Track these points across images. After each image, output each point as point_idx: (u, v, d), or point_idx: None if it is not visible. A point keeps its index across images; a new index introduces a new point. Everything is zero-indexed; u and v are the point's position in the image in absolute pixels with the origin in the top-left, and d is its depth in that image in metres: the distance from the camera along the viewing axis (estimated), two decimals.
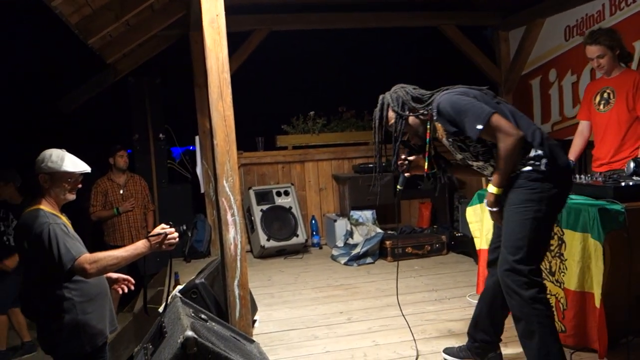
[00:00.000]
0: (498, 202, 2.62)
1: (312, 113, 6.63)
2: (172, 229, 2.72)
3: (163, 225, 2.73)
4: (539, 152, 2.55)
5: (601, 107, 3.88)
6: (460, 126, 2.60)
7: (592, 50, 3.75)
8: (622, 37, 3.88)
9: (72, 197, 2.87)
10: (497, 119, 2.49)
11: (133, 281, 3.11)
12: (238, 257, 3.10)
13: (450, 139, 2.75)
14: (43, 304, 2.71)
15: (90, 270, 2.58)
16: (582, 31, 5.62)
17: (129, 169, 5.98)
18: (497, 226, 2.81)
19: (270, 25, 6.37)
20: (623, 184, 2.95)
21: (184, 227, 2.82)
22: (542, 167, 2.52)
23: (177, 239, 2.74)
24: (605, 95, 3.85)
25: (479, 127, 2.49)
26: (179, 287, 3.67)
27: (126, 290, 3.06)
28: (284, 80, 8.64)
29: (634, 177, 3.09)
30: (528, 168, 2.54)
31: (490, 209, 2.66)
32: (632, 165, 3.19)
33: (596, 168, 3.90)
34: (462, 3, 6.89)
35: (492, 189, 2.59)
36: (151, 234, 2.73)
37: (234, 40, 5.03)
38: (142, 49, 6.45)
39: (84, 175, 2.93)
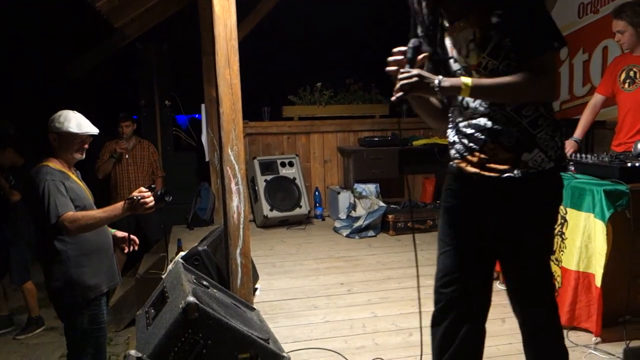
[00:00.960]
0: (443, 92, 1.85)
1: (319, 84, 6.59)
2: (148, 193, 2.79)
3: (141, 189, 2.80)
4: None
5: (626, 85, 3.78)
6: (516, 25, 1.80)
7: (616, 24, 3.70)
8: None
9: (79, 156, 3.00)
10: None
11: (137, 241, 3.22)
12: (241, 226, 3.12)
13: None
14: (43, 252, 2.90)
15: (70, 228, 2.74)
16: (595, 9, 5.52)
17: (136, 133, 5.99)
18: (455, 250, 2.07)
19: None
20: (629, 164, 2.93)
21: (161, 192, 2.85)
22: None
23: (154, 203, 2.81)
24: (632, 73, 3.75)
25: (555, 44, 1.83)
26: (182, 253, 3.71)
27: (131, 249, 3.15)
28: (292, 50, 8.57)
29: None
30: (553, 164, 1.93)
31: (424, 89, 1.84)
32: (639, 146, 3.17)
33: (615, 147, 3.84)
34: None
35: (466, 80, 1.83)
36: (128, 197, 2.80)
37: (243, 7, 4.97)
38: (150, 14, 6.38)
39: (96, 138, 3.05)
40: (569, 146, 3.91)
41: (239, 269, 3.12)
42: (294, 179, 6.14)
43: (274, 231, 5.84)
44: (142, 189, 2.82)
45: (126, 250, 3.15)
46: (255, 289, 3.89)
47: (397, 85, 1.81)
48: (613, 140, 3.93)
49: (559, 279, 3.09)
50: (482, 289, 2.07)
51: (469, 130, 1.96)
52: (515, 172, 1.88)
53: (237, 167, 3.12)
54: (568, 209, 3.01)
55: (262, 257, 4.76)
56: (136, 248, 3.19)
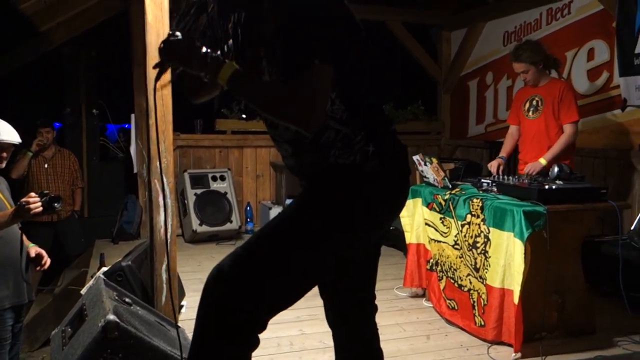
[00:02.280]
0: None
1: None
2: (36, 198, 2.67)
3: (31, 194, 2.69)
4: None
5: (530, 113, 4.07)
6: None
7: (516, 67, 3.99)
8: (554, 47, 4.06)
9: None
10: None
11: (48, 262, 3.04)
12: (168, 241, 3.04)
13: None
14: None
15: None
16: (519, 37, 5.82)
17: (58, 143, 5.74)
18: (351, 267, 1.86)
19: (215, 2, 6.23)
20: (547, 187, 3.08)
21: (50, 198, 2.73)
22: None
23: (41, 209, 2.69)
24: (534, 102, 4.05)
25: (316, 61, 1.52)
26: (104, 269, 3.56)
27: (38, 268, 3.01)
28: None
29: (557, 181, 3.25)
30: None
31: None
32: (556, 169, 3.35)
33: (523, 171, 4.07)
34: (409, 1, 7.00)
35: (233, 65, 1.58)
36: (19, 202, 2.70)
37: (179, 18, 4.87)
38: (79, 19, 6.16)
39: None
40: (495, 163, 4.11)
41: (164, 285, 3.03)
42: (225, 193, 6.06)
43: (202, 246, 5.72)
44: (32, 194, 2.68)
45: (38, 268, 2.98)
46: (181, 306, 3.78)
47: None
48: (520, 165, 4.18)
49: (484, 296, 3.19)
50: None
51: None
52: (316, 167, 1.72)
53: (166, 180, 3.04)
54: (491, 229, 3.12)
55: (190, 273, 4.65)
56: (45, 267, 3.02)
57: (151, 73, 3.09)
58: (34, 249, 3.00)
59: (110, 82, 6.93)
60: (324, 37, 1.52)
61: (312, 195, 1.68)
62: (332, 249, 1.64)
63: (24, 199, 2.64)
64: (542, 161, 3.88)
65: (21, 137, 2.98)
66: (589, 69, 4.99)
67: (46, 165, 5.51)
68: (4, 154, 2.83)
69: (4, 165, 2.85)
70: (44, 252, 3.01)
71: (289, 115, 1.51)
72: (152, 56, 3.10)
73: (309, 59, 1.49)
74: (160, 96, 3.09)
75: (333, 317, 1.92)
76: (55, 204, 2.71)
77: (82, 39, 6.39)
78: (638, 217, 3.85)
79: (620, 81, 4.41)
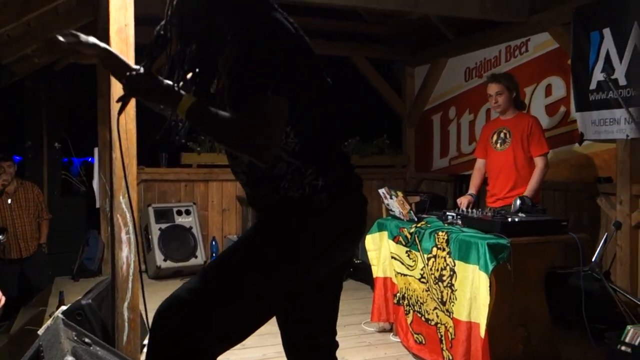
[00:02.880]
0: None
1: None
2: None
3: None
4: None
5: (498, 145, 4.14)
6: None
7: (493, 87, 4.08)
8: None
9: None
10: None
11: (3, 300, 2.91)
12: (130, 278, 2.96)
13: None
14: None
15: None
16: (480, 74, 5.99)
17: (19, 176, 5.59)
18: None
19: None
20: (509, 219, 3.14)
21: None
22: None
23: None
24: (502, 134, 4.13)
25: (268, 92, 1.52)
26: (63, 307, 3.45)
27: None
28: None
29: (519, 214, 3.30)
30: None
31: None
32: (518, 202, 3.41)
33: (491, 203, 4.13)
34: (372, 36, 7.17)
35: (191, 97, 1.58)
36: None
37: (144, 51, 4.87)
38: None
39: None
40: (465, 200, 4.15)
41: (126, 324, 2.94)
42: (191, 227, 5.98)
43: (167, 283, 5.60)
44: None
45: None
46: (144, 346, 3.67)
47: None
48: (488, 198, 4.24)
49: (451, 330, 3.19)
50: None
51: None
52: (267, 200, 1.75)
53: (129, 215, 2.98)
54: (457, 261, 3.14)
55: (153, 311, 4.51)
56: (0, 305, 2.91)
57: (115, 106, 3.06)
58: None
59: (74, 115, 6.83)
60: (280, 70, 1.54)
61: (262, 226, 1.71)
62: (280, 279, 1.64)
63: None
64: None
65: None
66: (547, 104, 5.15)
67: (10, 201, 5.34)
68: None
69: None
70: (2, 298, 2.90)
71: (243, 145, 1.52)
72: (117, 90, 3.07)
73: (264, 90, 1.50)
74: (125, 129, 3.06)
75: (288, 353, 1.89)
76: (1, 237, 2.62)
77: (46, 71, 6.32)
78: (598, 249, 3.94)
79: (577, 116, 4.57)
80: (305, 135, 1.65)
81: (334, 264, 1.76)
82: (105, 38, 3.35)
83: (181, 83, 1.67)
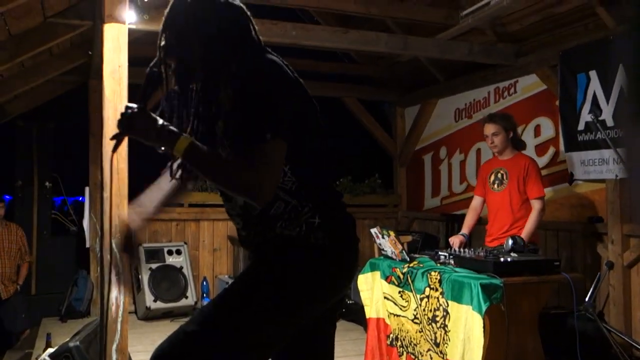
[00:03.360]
0: None
1: None
2: None
3: None
4: None
5: (495, 186, 4.13)
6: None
7: (489, 128, 4.05)
8: None
9: None
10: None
11: None
12: (119, 319, 2.92)
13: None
14: None
15: None
16: (470, 114, 6.08)
17: (6, 217, 5.54)
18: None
19: None
20: (502, 259, 3.13)
21: None
22: None
23: None
24: (499, 175, 4.11)
25: (267, 135, 1.55)
26: (50, 350, 3.38)
27: None
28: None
29: (512, 254, 3.30)
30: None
31: None
32: (510, 242, 3.42)
33: (488, 243, 4.11)
34: (363, 78, 7.29)
35: (187, 137, 1.60)
36: None
37: (136, 92, 4.91)
38: (35, 92, 6.14)
39: None
40: (457, 240, 4.12)
41: None
42: (181, 267, 5.91)
43: (157, 324, 5.50)
44: None
45: None
46: None
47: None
48: (486, 237, 4.23)
49: None
50: None
51: None
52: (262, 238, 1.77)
53: (119, 256, 2.95)
54: (449, 302, 3.12)
55: (142, 353, 4.43)
56: None
57: (108, 146, 3.07)
58: None
59: (65, 154, 6.83)
60: (279, 113, 1.58)
61: (254, 265, 1.72)
62: (276, 319, 1.64)
63: None
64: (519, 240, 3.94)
65: None
66: (537, 144, 5.21)
67: None
68: None
69: None
70: None
71: (240, 187, 1.55)
72: (110, 129, 3.09)
73: (263, 133, 1.53)
74: (117, 169, 3.06)
75: None
76: None
77: (38, 111, 6.34)
78: (592, 289, 3.92)
79: (567, 156, 4.62)
80: (301, 174, 1.68)
81: (329, 302, 1.76)
82: (99, 78, 3.39)
83: (175, 124, 1.68)
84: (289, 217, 1.67)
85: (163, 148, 1.61)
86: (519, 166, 4.02)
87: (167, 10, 1.73)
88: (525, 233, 3.87)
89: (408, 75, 6.94)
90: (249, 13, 1.77)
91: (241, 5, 1.76)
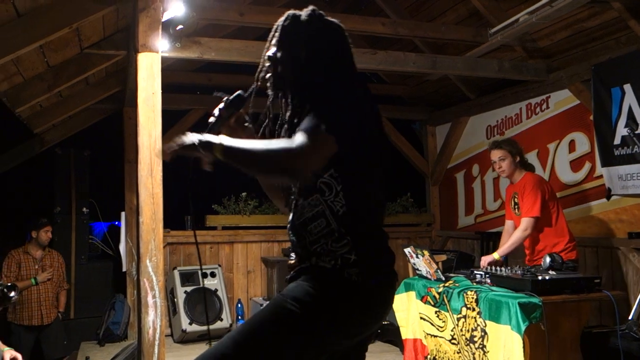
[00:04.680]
0: None
1: (244, 194, 6.62)
2: None
3: None
4: None
5: (516, 211, 4.06)
6: None
7: (495, 153, 4.04)
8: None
9: None
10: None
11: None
12: (156, 342, 2.94)
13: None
14: None
15: None
16: (502, 131, 6.01)
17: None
18: None
19: (208, 106, 6.44)
20: (540, 277, 3.06)
21: (5, 287, 2.61)
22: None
23: None
24: (516, 200, 4.05)
25: (323, 127, 1.62)
26: None
27: None
28: (216, 160, 8.65)
29: (550, 272, 3.23)
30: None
31: None
32: (547, 260, 3.35)
33: (528, 262, 4.02)
34: (393, 97, 7.30)
35: (224, 138, 1.68)
36: None
37: (169, 117, 5.02)
38: (72, 121, 6.33)
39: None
40: (487, 258, 4.03)
41: None
42: (216, 290, 5.95)
43: (192, 347, 5.53)
44: None
45: None
46: None
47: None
48: (526, 257, 4.13)
49: None
50: None
51: None
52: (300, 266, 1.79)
53: (155, 280, 2.99)
54: (487, 322, 3.06)
55: None
56: None
57: (143, 171, 3.13)
58: (8, 353, 2.87)
59: (101, 180, 6.98)
60: (341, 119, 1.64)
61: (289, 293, 1.69)
62: (297, 351, 1.64)
63: None
64: (495, 256, 3.88)
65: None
66: (572, 160, 5.11)
67: (36, 267, 5.40)
68: None
69: None
70: (19, 356, 2.89)
71: (280, 158, 1.57)
72: (144, 155, 3.16)
73: (319, 124, 1.58)
74: (151, 193, 3.12)
75: None
76: (12, 294, 2.61)
77: (75, 139, 6.52)
78: (635, 306, 3.80)
79: (603, 171, 4.52)
80: (352, 200, 1.69)
81: (359, 337, 1.75)
82: (133, 105, 3.47)
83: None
84: (325, 242, 1.68)
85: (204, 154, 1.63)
86: (522, 186, 3.94)
87: (281, 23, 1.83)
88: (500, 249, 3.85)
89: (438, 93, 6.93)
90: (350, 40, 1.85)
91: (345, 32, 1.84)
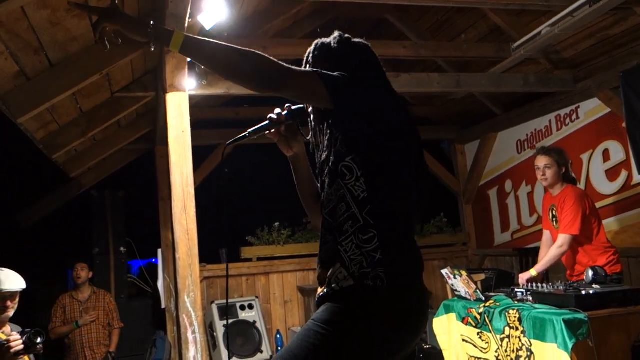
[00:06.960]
0: None
1: (276, 224, 6.65)
2: (16, 337, 2.60)
3: (13, 333, 2.62)
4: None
5: (555, 224, 3.93)
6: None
7: (541, 160, 3.89)
8: (569, 151, 4.11)
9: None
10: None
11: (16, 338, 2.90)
12: None
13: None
14: None
15: None
16: (532, 145, 5.93)
17: (92, 284, 5.75)
18: None
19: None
20: (584, 292, 2.98)
21: (31, 335, 2.63)
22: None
23: (22, 347, 2.60)
24: (554, 212, 3.93)
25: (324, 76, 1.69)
26: None
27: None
28: (248, 192, 8.73)
29: (594, 286, 3.14)
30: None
31: None
32: (590, 273, 3.26)
33: (569, 277, 3.91)
34: (420, 119, 7.29)
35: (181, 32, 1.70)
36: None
37: (200, 153, 5.11)
38: (106, 163, 6.49)
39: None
40: (524, 276, 3.91)
41: None
42: (254, 322, 5.94)
43: None
44: (14, 332, 2.62)
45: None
46: None
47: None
48: (567, 272, 4.02)
49: None
50: None
51: None
52: (324, 291, 1.69)
53: (194, 315, 3.01)
54: (532, 341, 2.98)
55: None
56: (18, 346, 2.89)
57: (177, 208, 3.18)
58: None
59: (136, 218, 7.10)
60: (347, 81, 1.68)
61: (320, 316, 1.64)
62: None
63: (4, 338, 2.58)
64: (533, 272, 3.77)
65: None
66: (607, 169, 5.01)
67: (80, 309, 5.45)
68: (8, 303, 2.80)
69: (10, 313, 2.80)
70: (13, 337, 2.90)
71: (251, 62, 1.66)
72: (177, 192, 3.21)
73: (321, 74, 1.65)
74: (186, 230, 3.16)
75: None
76: (38, 340, 2.64)
77: (109, 180, 6.68)
78: None
79: None
80: (374, 188, 1.66)
81: (392, 356, 1.68)
82: (165, 144, 3.55)
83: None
84: (353, 234, 1.64)
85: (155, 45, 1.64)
86: (562, 199, 3.80)
87: (311, 50, 1.90)
88: (537, 265, 3.73)
89: (464, 111, 6.90)
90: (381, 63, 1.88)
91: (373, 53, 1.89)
